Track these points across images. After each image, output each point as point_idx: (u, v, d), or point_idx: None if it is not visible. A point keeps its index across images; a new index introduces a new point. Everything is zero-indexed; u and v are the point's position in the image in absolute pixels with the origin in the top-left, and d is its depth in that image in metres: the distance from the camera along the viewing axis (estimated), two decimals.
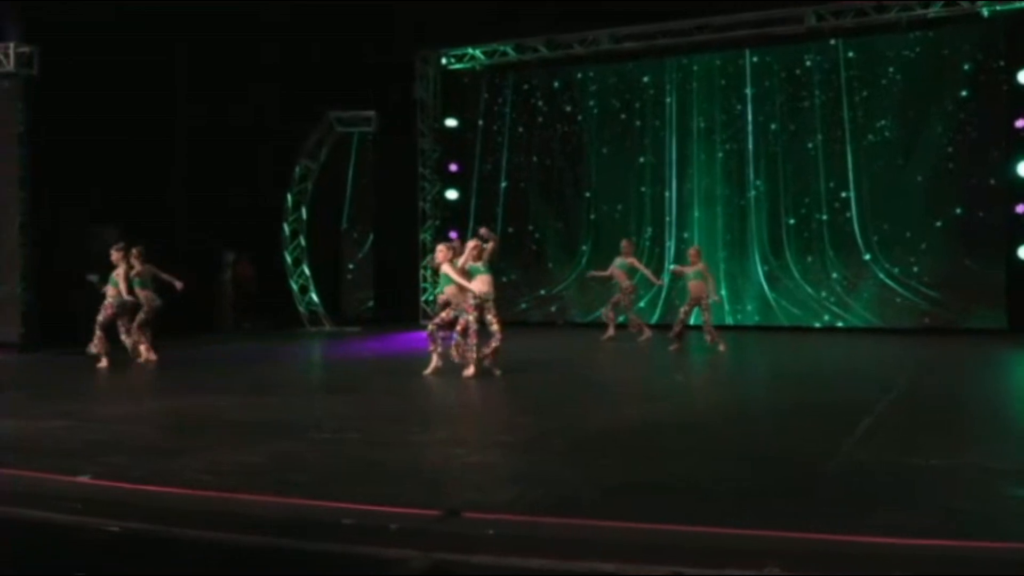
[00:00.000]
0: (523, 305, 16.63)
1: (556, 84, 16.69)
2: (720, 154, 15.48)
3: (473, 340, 8.96)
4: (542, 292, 16.64)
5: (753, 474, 4.81)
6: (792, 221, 15.03)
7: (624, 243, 13.52)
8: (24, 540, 4.36)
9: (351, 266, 17.74)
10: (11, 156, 12.39)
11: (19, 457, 5.23)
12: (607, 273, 13.39)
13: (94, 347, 10.59)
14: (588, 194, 16.34)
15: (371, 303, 17.86)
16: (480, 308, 8.98)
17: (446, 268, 9.23)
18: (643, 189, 15.93)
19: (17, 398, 7.92)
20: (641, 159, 15.96)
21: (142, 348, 10.82)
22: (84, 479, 4.77)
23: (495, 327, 9.05)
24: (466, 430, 6.51)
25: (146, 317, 10.94)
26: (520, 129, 16.84)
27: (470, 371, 8.93)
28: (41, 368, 10.75)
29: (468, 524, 3.94)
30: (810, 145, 14.92)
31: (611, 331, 13.30)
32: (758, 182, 15.22)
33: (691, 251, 12.13)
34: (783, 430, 6.21)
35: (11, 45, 12.25)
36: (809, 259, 14.89)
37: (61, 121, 12.76)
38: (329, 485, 4.60)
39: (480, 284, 9.03)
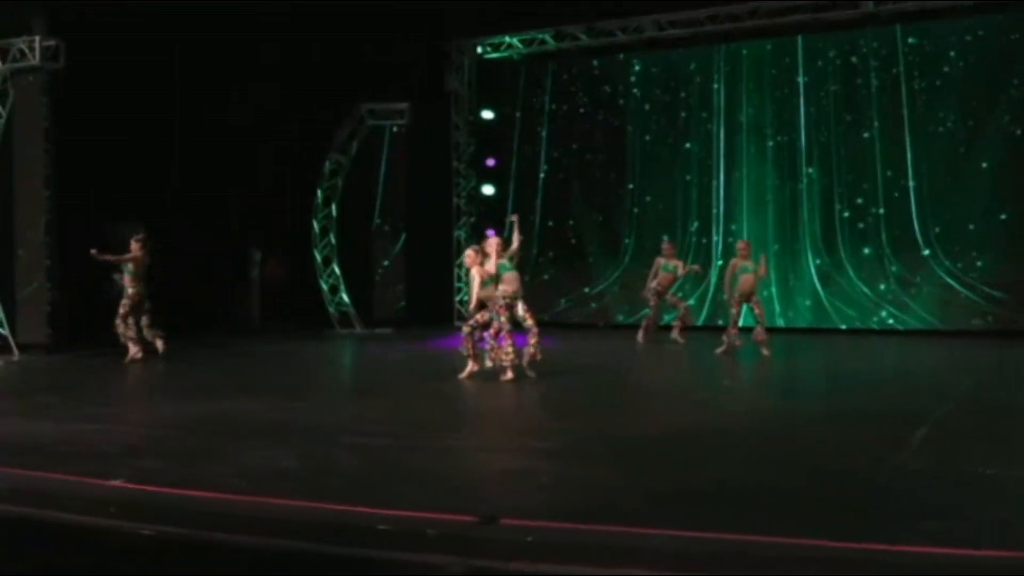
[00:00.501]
0: (563, 304, 16.73)
1: (597, 73, 16.77)
2: (770, 143, 15.47)
3: (507, 343, 9.06)
4: (585, 290, 16.71)
5: (800, 482, 4.89)
6: (847, 214, 14.96)
7: (666, 244, 13.38)
8: (58, 544, 4.55)
9: (386, 264, 17.90)
10: (36, 153, 12.69)
11: (52, 461, 5.45)
12: (655, 283, 13.22)
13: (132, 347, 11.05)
14: (631, 186, 16.39)
15: (403, 304, 18.02)
16: (510, 308, 9.11)
17: (473, 272, 9.44)
18: (688, 179, 15.95)
19: (48, 401, 8.18)
20: (687, 149, 16.00)
21: (131, 344, 11.19)
22: (118, 483, 4.96)
23: (529, 322, 9.20)
24: (502, 435, 6.63)
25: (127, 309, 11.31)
26: (559, 121, 16.96)
27: (508, 375, 9.03)
28: (69, 370, 11.05)
29: (506, 530, 4.05)
30: (866, 135, 14.85)
31: (677, 335, 13.17)
32: (810, 170, 15.15)
33: (740, 244, 12.09)
34: (834, 438, 6.25)
35: (37, 38, 12.57)
36: (864, 254, 14.81)
37: (80, 117, 13.05)
38: (363, 490, 4.74)
39: (506, 283, 9.16)
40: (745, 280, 11.55)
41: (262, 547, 4.19)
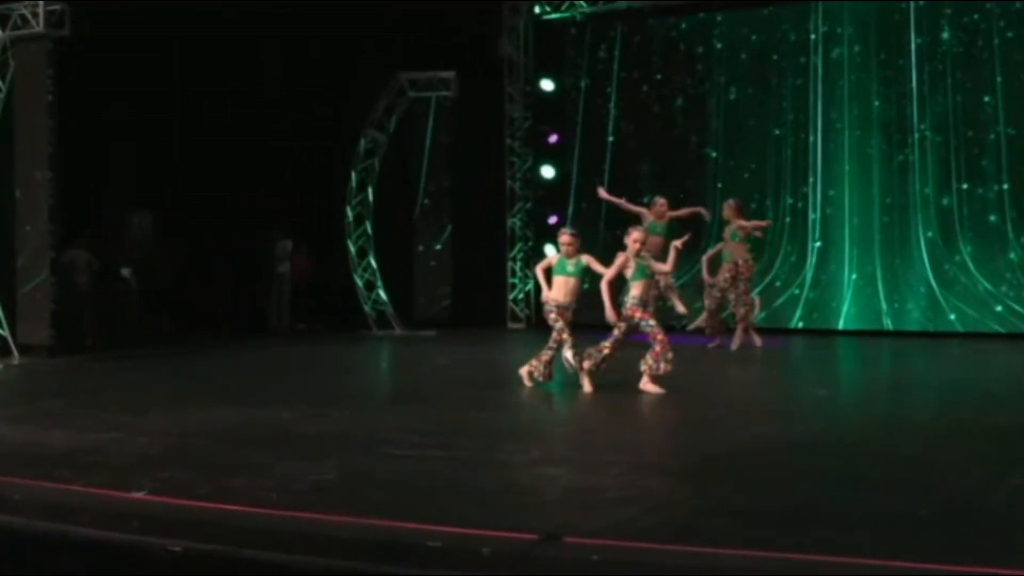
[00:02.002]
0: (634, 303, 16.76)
1: (674, 34, 16.83)
2: (876, 114, 15.39)
3: (607, 351, 9.08)
4: (662, 285, 16.69)
5: (898, 501, 4.99)
6: (965, 185, 14.88)
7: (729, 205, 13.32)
8: (77, 559, 4.83)
9: (433, 257, 18.11)
10: (39, 130, 12.95)
11: (69, 471, 5.74)
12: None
13: None
14: (714, 165, 16.39)
15: (448, 302, 18.16)
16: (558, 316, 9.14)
17: (539, 268, 9.51)
18: (781, 157, 15.98)
19: (57, 407, 8.55)
20: (779, 122, 16.03)
21: None
22: (141, 495, 5.24)
23: (563, 337, 9.16)
24: (566, 449, 6.79)
25: None
26: (630, 91, 17.04)
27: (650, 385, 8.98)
28: (78, 374, 11.44)
29: (570, 549, 4.20)
30: (987, 98, 14.77)
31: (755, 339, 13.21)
32: (924, 128, 14.99)
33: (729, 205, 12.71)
34: (940, 454, 6.32)
35: (40, 3, 12.91)
36: (984, 238, 14.69)
37: (87, 93, 13.45)
38: (411, 505, 4.92)
39: (553, 289, 9.24)
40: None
41: (300, 565, 4.37)
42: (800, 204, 15.81)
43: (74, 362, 12.19)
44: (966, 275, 14.74)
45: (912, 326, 15.14)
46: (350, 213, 16.76)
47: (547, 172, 17.62)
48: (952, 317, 14.82)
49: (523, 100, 17.63)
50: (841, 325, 15.32)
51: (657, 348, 8.87)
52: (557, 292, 9.22)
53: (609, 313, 9.04)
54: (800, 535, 4.41)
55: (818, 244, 15.41)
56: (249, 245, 16.80)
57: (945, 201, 14.89)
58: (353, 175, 16.77)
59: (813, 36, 15.86)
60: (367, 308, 16.69)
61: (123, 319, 14.97)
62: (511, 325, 17.53)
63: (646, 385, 8.93)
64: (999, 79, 14.67)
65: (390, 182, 17.17)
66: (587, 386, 9.06)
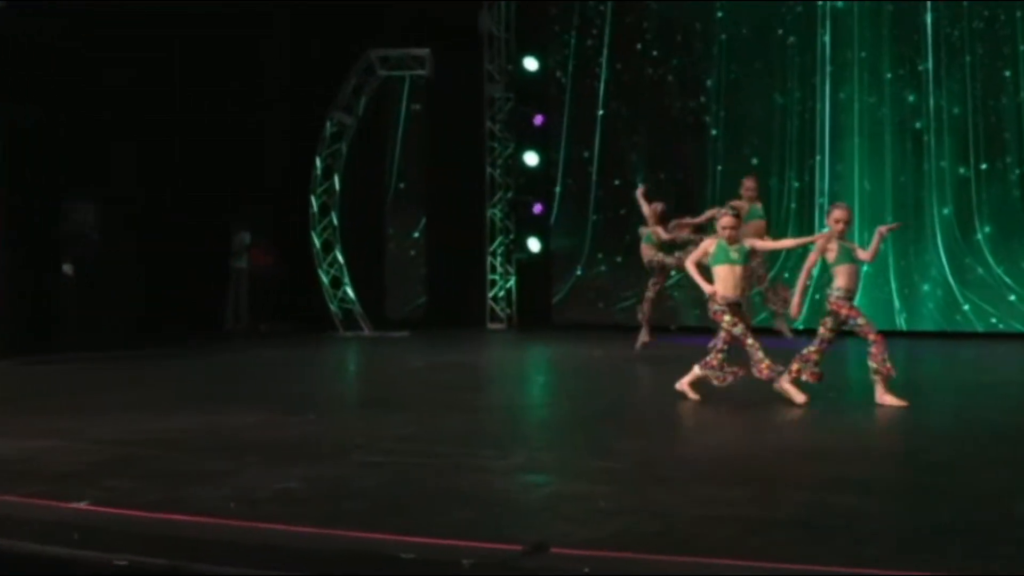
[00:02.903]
0: (629, 301, 16.81)
1: (671, 11, 16.86)
2: (888, 93, 15.50)
3: (815, 355, 8.41)
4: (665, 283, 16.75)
5: (919, 510, 5.02)
6: (984, 166, 14.95)
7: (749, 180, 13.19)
8: (12, 575, 4.78)
9: (406, 253, 18.06)
10: None
11: (5, 481, 5.68)
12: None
13: None
14: (713, 145, 16.47)
15: (422, 300, 18.14)
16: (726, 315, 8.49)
17: (689, 262, 8.77)
18: (787, 142, 16.07)
19: None
20: (783, 101, 16.12)
21: None
22: (82, 505, 5.19)
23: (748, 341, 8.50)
24: (554, 454, 6.79)
25: None
26: (622, 71, 17.06)
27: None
28: (16, 377, 11.37)
29: (557, 560, 4.19)
30: (1008, 73, 14.87)
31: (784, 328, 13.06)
32: (938, 103, 15.10)
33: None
34: (961, 459, 6.36)
35: None
36: (1004, 226, 14.79)
37: (24, 75, 13.31)
38: (384, 515, 4.92)
39: (719, 283, 8.58)
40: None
41: None
42: (806, 184, 15.89)
43: (11, 365, 12.08)
44: (984, 267, 14.83)
45: (926, 325, 15.21)
46: (315, 203, 16.65)
47: (530, 159, 17.60)
48: (969, 313, 14.89)
49: (504, 80, 17.61)
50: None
51: (874, 349, 8.21)
52: (724, 286, 8.45)
53: (794, 307, 8.47)
54: (812, 546, 4.42)
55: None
56: (203, 238, 16.68)
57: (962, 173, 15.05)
58: (318, 161, 16.63)
59: (821, 5, 15.90)
60: (333, 307, 16.60)
61: (64, 319, 14.84)
62: (491, 326, 17.51)
63: (884, 397, 8.24)
64: (1020, 52, 14.76)
65: (359, 169, 17.10)
66: (799, 397, 8.34)
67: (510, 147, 17.66)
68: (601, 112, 17.11)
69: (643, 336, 12.98)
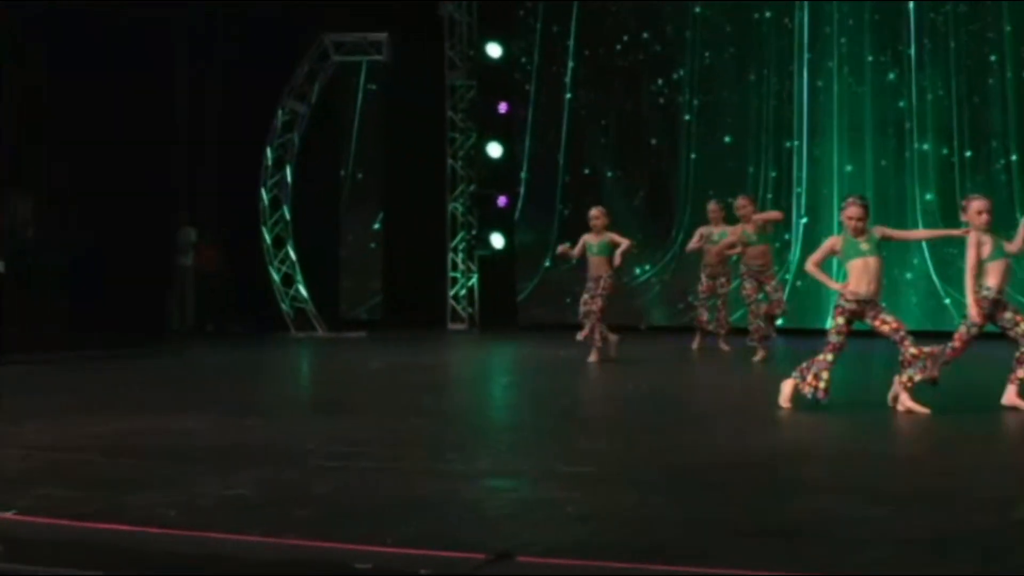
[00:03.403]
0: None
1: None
2: (868, 84, 15.64)
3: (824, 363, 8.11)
4: (632, 282, 16.80)
5: (912, 516, 5.00)
6: (968, 153, 15.14)
7: (712, 206, 13.43)
8: None
9: (363, 249, 17.97)
10: None
11: None
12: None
13: None
14: (686, 131, 16.50)
15: (379, 299, 18.09)
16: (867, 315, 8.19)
17: (811, 264, 8.43)
18: (762, 134, 16.21)
19: None
20: (760, 88, 16.24)
21: None
22: (9, 515, 5.07)
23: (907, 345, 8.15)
24: (519, 458, 6.75)
25: None
26: (590, 58, 17.10)
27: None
28: None
29: (523, 569, 4.15)
30: (994, 57, 15.04)
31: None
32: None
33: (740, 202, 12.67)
34: (955, 463, 6.38)
35: None
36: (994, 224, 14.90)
37: None
38: (338, 522, 4.86)
39: (853, 279, 8.24)
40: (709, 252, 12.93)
41: None
42: (784, 170, 16.02)
43: None
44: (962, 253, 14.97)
45: (910, 324, 15.31)
46: (265, 196, 16.62)
47: (494, 150, 17.58)
48: (951, 309, 15.01)
49: (466, 67, 17.58)
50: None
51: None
52: (858, 281, 8.15)
53: (975, 310, 7.94)
54: (795, 554, 4.38)
55: (804, 221, 15.53)
56: (147, 234, 16.54)
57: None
58: (268, 152, 16.60)
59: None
60: (285, 306, 16.57)
61: None
62: (452, 326, 17.47)
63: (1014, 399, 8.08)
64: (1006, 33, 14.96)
65: (312, 161, 17.07)
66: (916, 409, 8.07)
67: (472, 137, 17.63)
68: (568, 97, 17.09)
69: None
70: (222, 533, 4.67)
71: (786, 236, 15.72)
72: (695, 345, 13.43)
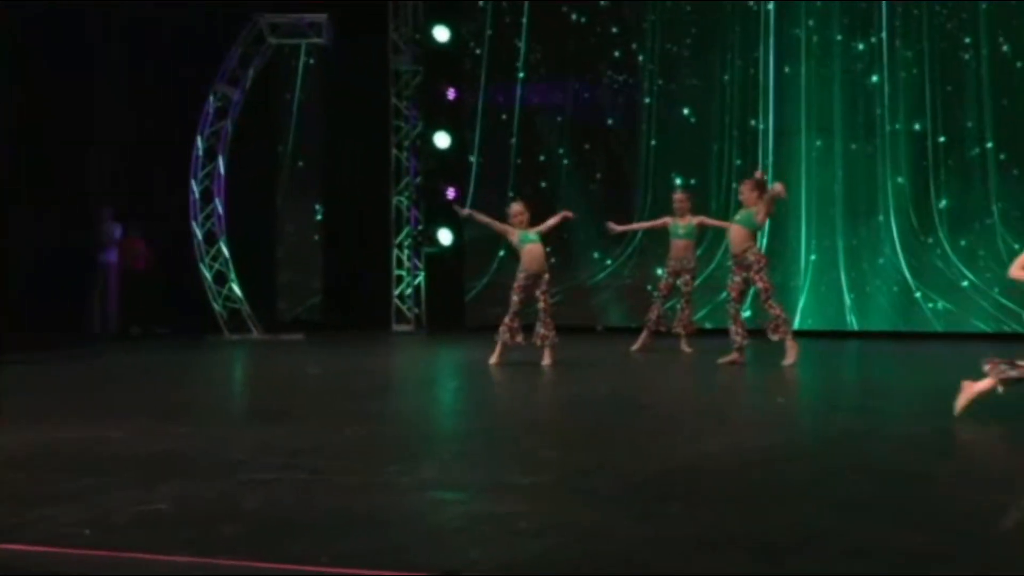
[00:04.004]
0: (555, 297, 16.75)
1: None
2: (838, 66, 15.80)
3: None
4: (578, 280, 16.77)
5: (892, 527, 4.95)
6: (942, 139, 15.33)
7: (678, 195, 13.53)
8: None
9: (301, 245, 17.84)
10: None
11: None
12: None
13: None
14: (647, 115, 16.48)
15: (319, 299, 18.01)
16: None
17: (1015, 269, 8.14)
18: (727, 121, 16.33)
19: None
20: (724, 69, 16.36)
21: None
22: None
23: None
24: (466, 469, 6.65)
25: None
26: (544, 42, 17.09)
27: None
28: None
29: None
30: (968, 39, 15.22)
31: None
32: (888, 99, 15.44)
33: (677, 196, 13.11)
34: (935, 470, 6.33)
35: None
36: (968, 212, 15.08)
37: None
38: (270, 540, 4.77)
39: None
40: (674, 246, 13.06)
41: None
42: (749, 151, 16.15)
43: None
44: (938, 252, 15.11)
45: (881, 323, 15.42)
46: (196, 188, 16.50)
47: (441, 140, 17.54)
48: (926, 312, 15.14)
49: (412, 51, 17.51)
50: (797, 323, 15.53)
51: None
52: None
53: None
54: (771, 568, 4.33)
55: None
56: (66, 229, 16.33)
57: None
58: (199, 141, 16.49)
59: None
60: (217, 306, 16.49)
61: None
62: (397, 327, 17.43)
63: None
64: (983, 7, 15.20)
65: (246, 151, 16.98)
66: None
67: (418, 126, 17.54)
68: (520, 84, 17.04)
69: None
70: (140, 552, 4.57)
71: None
72: (635, 346, 13.37)
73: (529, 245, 11.54)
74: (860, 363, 13.53)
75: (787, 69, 15.98)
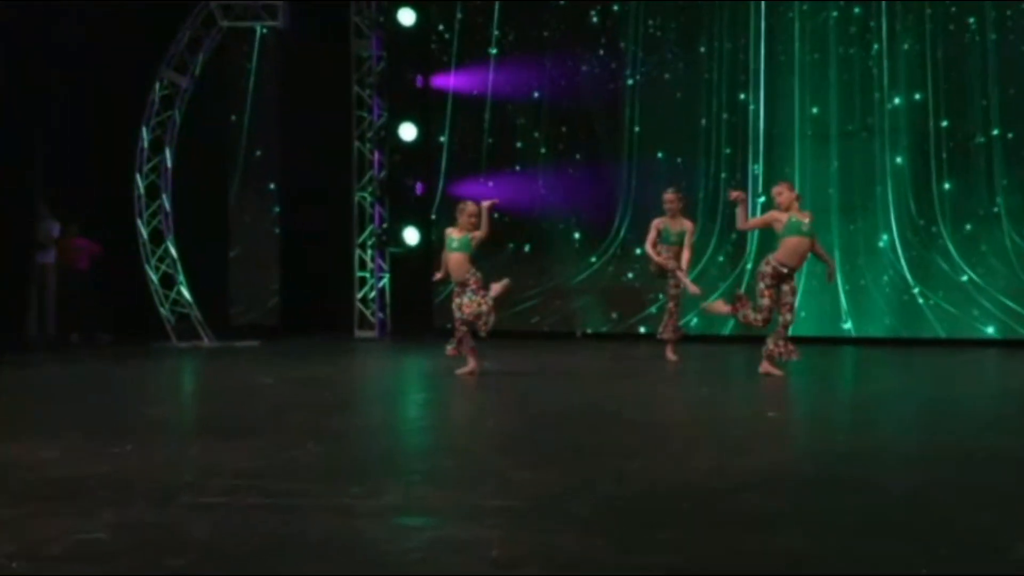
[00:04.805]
0: (532, 301, 16.77)
1: None
2: (836, 53, 15.88)
3: None
4: (568, 282, 16.74)
5: (893, 554, 4.93)
6: (945, 123, 15.39)
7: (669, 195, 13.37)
8: None
9: (256, 245, 17.78)
10: None
11: None
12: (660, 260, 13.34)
13: None
14: (632, 122, 16.53)
15: (275, 302, 17.97)
16: None
17: None
18: (714, 111, 16.37)
19: None
20: (708, 46, 16.44)
21: None
22: None
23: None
24: (435, 491, 6.60)
25: None
26: (520, 27, 17.08)
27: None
28: None
29: None
30: (972, 19, 15.33)
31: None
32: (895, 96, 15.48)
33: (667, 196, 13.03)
34: (937, 491, 6.32)
35: None
36: (972, 207, 15.15)
37: None
38: (218, 571, 4.74)
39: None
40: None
41: None
42: (737, 162, 16.23)
43: None
44: (938, 247, 15.20)
45: (879, 330, 15.47)
46: (140, 184, 16.47)
47: (407, 131, 17.51)
48: (929, 316, 15.19)
49: (376, 35, 17.49)
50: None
51: None
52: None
53: None
54: None
55: (761, 200, 15.68)
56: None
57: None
58: (144, 132, 16.46)
59: None
60: (164, 311, 16.47)
61: None
62: (359, 333, 17.43)
63: None
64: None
65: (196, 142, 16.97)
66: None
67: (383, 116, 17.49)
68: (493, 70, 17.03)
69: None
70: None
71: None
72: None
73: (449, 253, 11.53)
74: (856, 373, 13.55)
75: (780, 48, 16.05)
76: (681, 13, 16.49)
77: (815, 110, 15.95)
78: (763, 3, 16.05)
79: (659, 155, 16.40)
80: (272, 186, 17.96)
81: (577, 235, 16.82)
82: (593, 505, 5.95)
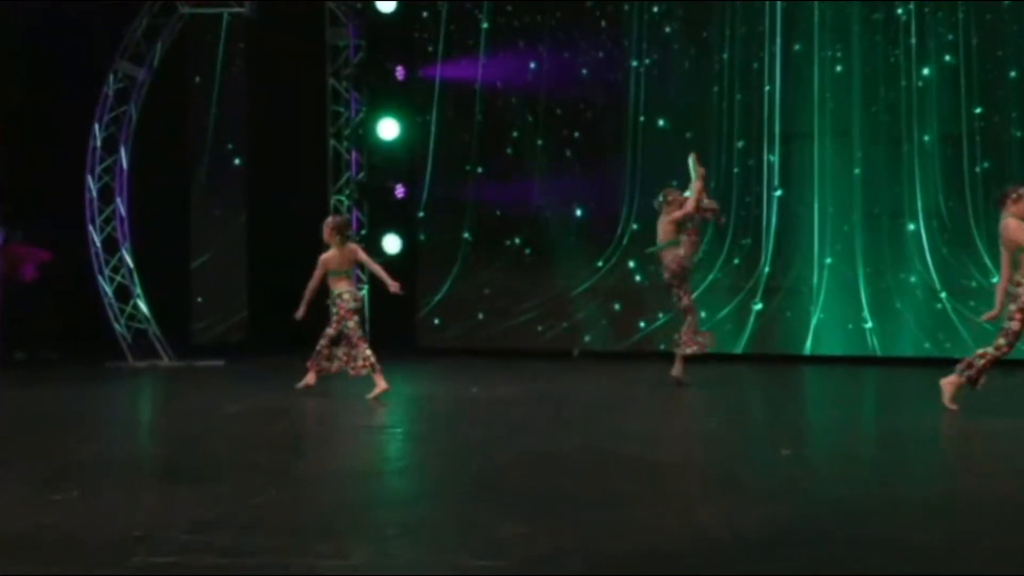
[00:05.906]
0: (529, 314, 16.75)
1: None
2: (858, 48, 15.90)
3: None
4: (568, 291, 16.74)
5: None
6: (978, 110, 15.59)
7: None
8: None
9: (221, 254, 17.81)
10: None
11: None
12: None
13: None
14: (637, 112, 16.50)
15: (244, 316, 17.95)
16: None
17: None
18: (723, 107, 16.58)
19: None
20: (720, 37, 16.63)
21: None
22: None
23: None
24: (411, 548, 6.55)
25: None
26: (512, 15, 17.16)
27: None
28: None
29: None
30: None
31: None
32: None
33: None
34: (965, 544, 6.31)
35: None
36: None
37: None
38: None
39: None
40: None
41: None
42: (754, 150, 16.30)
43: None
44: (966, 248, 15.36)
45: (905, 348, 15.50)
46: (93, 186, 16.47)
47: (388, 128, 17.54)
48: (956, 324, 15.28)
49: (353, 24, 17.48)
50: (808, 347, 15.61)
51: None
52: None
53: None
54: None
55: (778, 193, 15.68)
56: None
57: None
58: (97, 129, 16.43)
59: None
60: (119, 327, 16.45)
61: None
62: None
63: None
64: None
65: (154, 141, 17.03)
66: None
67: (361, 112, 17.48)
68: (482, 61, 17.04)
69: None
70: None
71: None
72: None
73: None
74: (882, 401, 13.49)
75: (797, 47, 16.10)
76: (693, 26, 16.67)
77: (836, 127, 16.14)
78: None
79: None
80: (240, 190, 17.90)
81: (580, 237, 16.80)
82: (588, 567, 5.89)
